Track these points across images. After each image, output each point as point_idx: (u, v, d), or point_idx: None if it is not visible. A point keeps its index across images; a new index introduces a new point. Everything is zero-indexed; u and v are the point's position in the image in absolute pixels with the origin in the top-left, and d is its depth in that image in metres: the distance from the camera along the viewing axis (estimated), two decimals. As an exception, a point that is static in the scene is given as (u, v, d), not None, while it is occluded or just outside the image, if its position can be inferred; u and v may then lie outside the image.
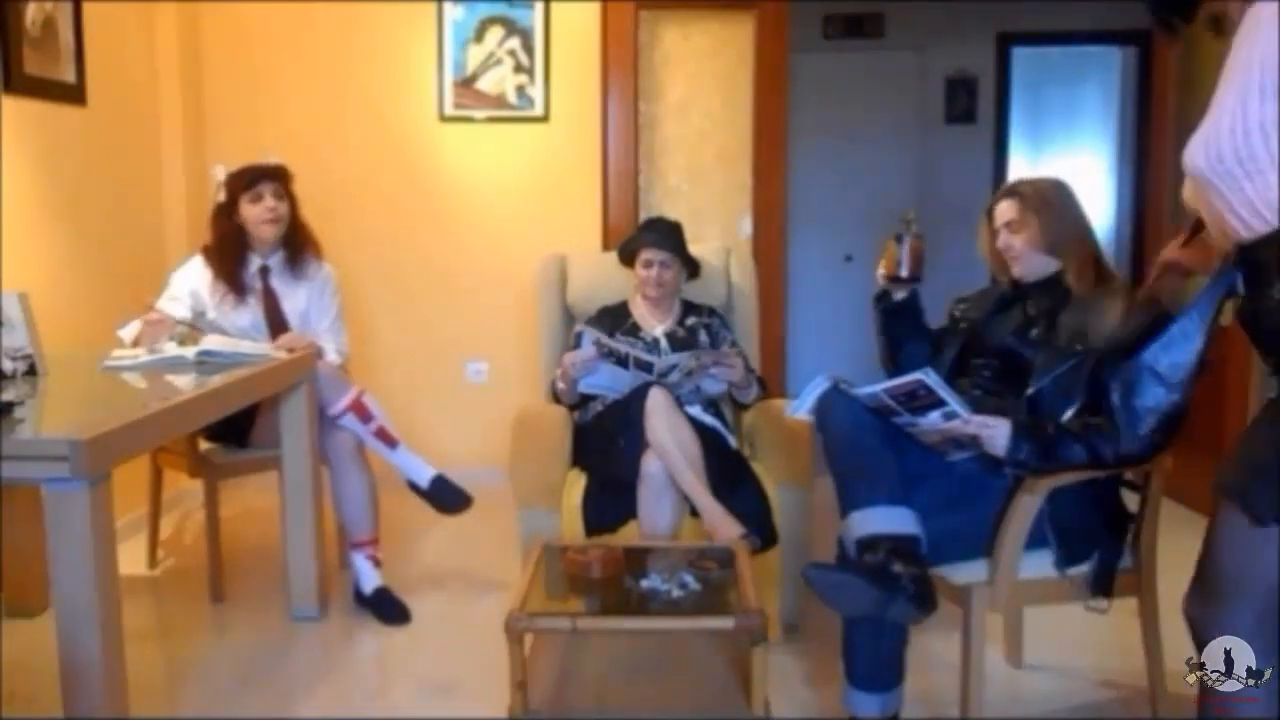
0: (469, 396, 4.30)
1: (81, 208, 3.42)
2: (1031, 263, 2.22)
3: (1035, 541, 2.04)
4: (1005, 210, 2.25)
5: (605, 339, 2.81)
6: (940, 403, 1.99)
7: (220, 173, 3.08)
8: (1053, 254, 2.20)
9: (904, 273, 2.28)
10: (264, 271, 3.10)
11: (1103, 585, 2.09)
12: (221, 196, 3.05)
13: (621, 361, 2.79)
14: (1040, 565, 2.08)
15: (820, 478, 2.38)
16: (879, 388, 2.04)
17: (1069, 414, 2.04)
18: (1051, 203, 2.21)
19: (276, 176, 3.04)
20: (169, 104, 3.92)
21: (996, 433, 1.99)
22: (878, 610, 1.92)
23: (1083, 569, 2.10)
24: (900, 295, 2.38)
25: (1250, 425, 1.59)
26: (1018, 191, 2.26)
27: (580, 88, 4.16)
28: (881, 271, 2.34)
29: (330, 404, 2.94)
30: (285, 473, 2.88)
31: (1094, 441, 1.95)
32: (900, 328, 2.40)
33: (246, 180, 3.01)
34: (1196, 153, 1.49)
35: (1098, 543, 2.11)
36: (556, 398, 2.96)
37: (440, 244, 4.24)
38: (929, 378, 1.97)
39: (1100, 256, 2.23)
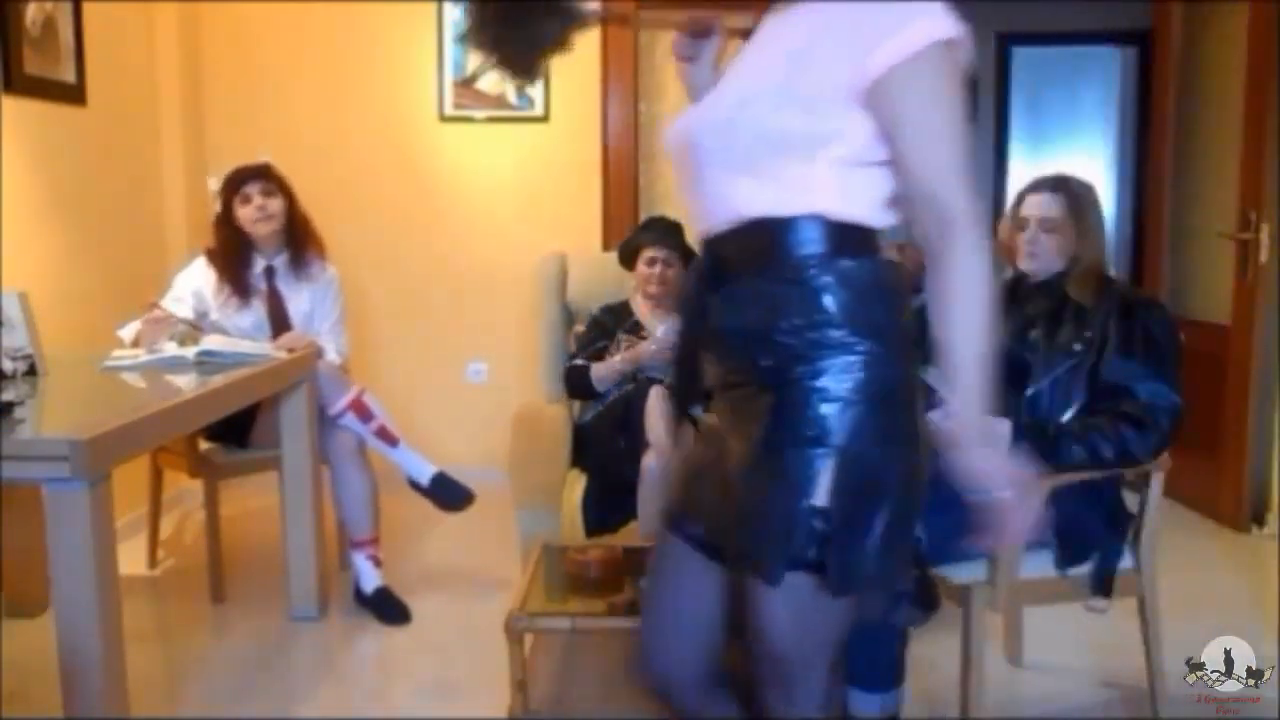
0: (469, 396, 4.29)
1: (81, 208, 3.41)
2: (1048, 263, 2.19)
3: (1035, 542, 2.04)
4: (1048, 205, 2.17)
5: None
6: (940, 404, 1.99)
7: (214, 183, 3.11)
8: (1071, 259, 2.18)
9: None
10: (269, 272, 3.10)
11: (1103, 585, 2.09)
12: (218, 206, 3.07)
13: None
14: (1040, 565, 2.08)
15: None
16: None
17: (1069, 415, 2.04)
18: (1090, 210, 2.17)
19: (262, 175, 3.04)
20: (169, 104, 3.91)
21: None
22: (881, 616, 1.92)
23: (1083, 569, 2.10)
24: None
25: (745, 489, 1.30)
26: (1067, 189, 2.17)
27: (580, 88, 4.16)
28: None
29: (330, 403, 2.94)
30: (285, 473, 2.88)
31: (1095, 442, 1.95)
32: None
33: (234, 184, 3.02)
34: (702, 127, 1.36)
35: (1098, 543, 2.11)
36: (575, 385, 2.93)
37: (440, 244, 4.23)
38: (928, 379, 1.97)
39: (1103, 263, 2.22)
